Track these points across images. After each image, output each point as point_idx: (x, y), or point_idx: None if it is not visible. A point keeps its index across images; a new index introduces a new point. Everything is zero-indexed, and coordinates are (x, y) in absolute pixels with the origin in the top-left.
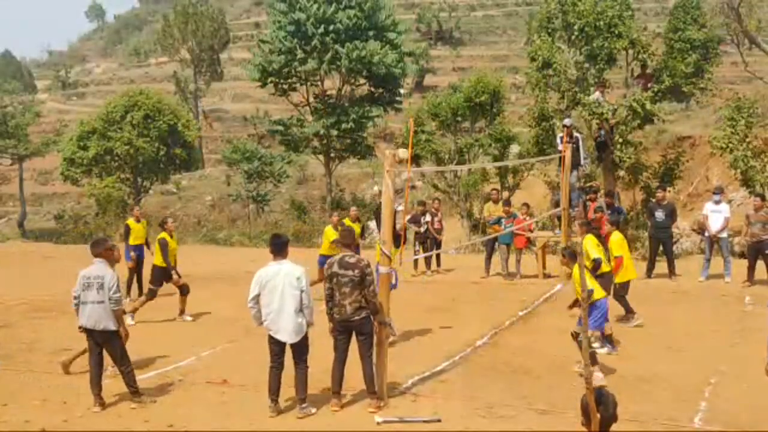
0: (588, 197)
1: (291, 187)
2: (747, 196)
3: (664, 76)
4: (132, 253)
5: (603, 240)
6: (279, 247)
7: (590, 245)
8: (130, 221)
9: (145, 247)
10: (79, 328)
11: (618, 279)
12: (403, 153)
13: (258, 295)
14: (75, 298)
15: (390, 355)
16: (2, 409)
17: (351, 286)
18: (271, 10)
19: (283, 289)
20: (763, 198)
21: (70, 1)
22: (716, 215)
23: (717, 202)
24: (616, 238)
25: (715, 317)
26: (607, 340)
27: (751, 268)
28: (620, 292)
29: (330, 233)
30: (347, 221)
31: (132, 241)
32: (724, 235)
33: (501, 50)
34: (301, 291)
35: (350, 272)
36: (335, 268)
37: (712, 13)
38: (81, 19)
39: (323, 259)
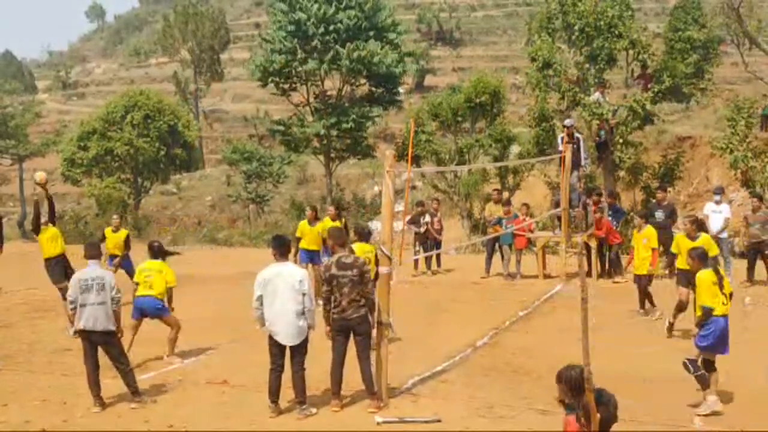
0: (591, 199)
1: (291, 188)
2: (747, 197)
3: (665, 77)
4: (115, 261)
5: (606, 240)
6: (281, 249)
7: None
8: (108, 231)
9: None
10: (75, 332)
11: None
12: None
13: (262, 296)
14: (72, 302)
15: (390, 356)
16: (2, 409)
17: (350, 286)
18: (272, 10)
19: (283, 291)
20: (760, 198)
21: (70, 1)
22: (716, 215)
23: (717, 203)
24: (653, 231)
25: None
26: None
27: (751, 269)
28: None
29: (304, 227)
30: (327, 221)
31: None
32: (725, 235)
33: (501, 50)
34: (303, 294)
35: (349, 272)
36: (333, 270)
37: (713, 14)
38: (81, 19)
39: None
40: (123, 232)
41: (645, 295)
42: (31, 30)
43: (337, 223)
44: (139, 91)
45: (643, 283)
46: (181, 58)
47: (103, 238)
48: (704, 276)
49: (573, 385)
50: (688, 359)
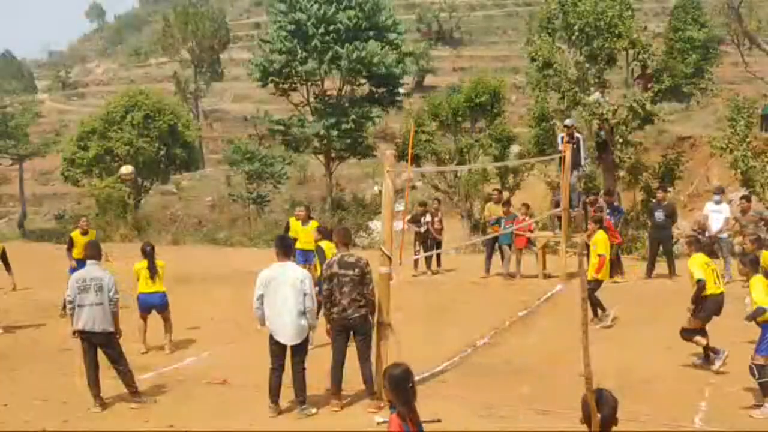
0: (588, 200)
1: (291, 188)
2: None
3: (665, 77)
4: (72, 262)
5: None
6: (284, 249)
7: (696, 265)
8: (75, 233)
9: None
10: (74, 333)
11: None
12: None
13: (263, 296)
14: (70, 302)
15: (390, 356)
16: (2, 409)
17: (351, 286)
18: (272, 10)
19: (285, 291)
20: (748, 200)
21: (70, 1)
22: (716, 215)
23: (717, 203)
24: (602, 237)
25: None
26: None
27: None
28: (594, 289)
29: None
30: (293, 221)
31: (76, 255)
32: (724, 235)
33: (501, 50)
34: (304, 294)
35: (351, 272)
36: (335, 269)
37: (713, 13)
38: (81, 19)
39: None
40: (93, 233)
41: (593, 302)
42: (31, 30)
43: (315, 224)
44: (138, 90)
45: (590, 287)
46: (181, 58)
47: (71, 245)
48: (756, 280)
49: (394, 384)
50: (755, 364)
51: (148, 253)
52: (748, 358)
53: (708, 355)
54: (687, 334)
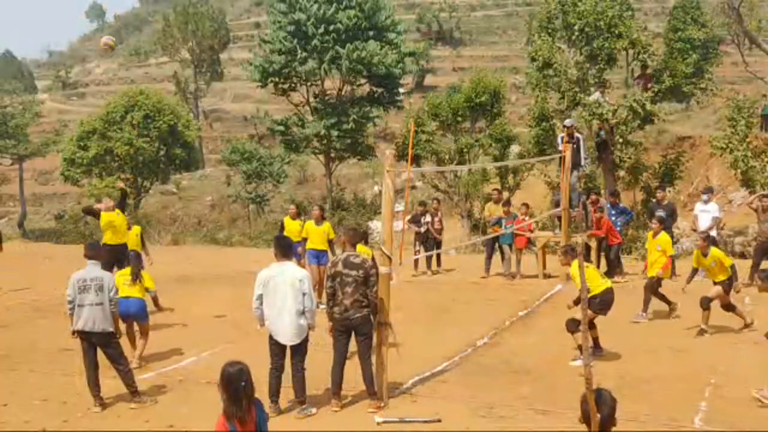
0: (589, 199)
1: (291, 187)
2: (747, 197)
3: (665, 77)
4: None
5: (606, 239)
6: (283, 249)
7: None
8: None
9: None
10: (73, 332)
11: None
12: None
13: (262, 295)
14: (70, 302)
15: (390, 356)
16: (2, 409)
17: (354, 286)
18: (272, 11)
19: (284, 291)
20: None
21: (70, 1)
22: (704, 215)
23: (705, 202)
24: (667, 238)
25: (714, 317)
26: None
27: (756, 266)
28: (657, 287)
29: (310, 227)
30: (287, 220)
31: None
32: (713, 233)
33: (501, 50)
34: (303, 294)
35: (354, 272)
36: (339, 267)
37: (713, 13)
38: (81, 19)
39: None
40: (136, 229)
41: (660, 298)
42: (31, 30)
43: (298, 222)
44: (138, 90)
45: (652, 285)
46: (181, 58)
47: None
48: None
49: (226, 381)
50: None
51: (132, 258)
52: (748, 359)
53: (580, 350)
54: (573, 326)
